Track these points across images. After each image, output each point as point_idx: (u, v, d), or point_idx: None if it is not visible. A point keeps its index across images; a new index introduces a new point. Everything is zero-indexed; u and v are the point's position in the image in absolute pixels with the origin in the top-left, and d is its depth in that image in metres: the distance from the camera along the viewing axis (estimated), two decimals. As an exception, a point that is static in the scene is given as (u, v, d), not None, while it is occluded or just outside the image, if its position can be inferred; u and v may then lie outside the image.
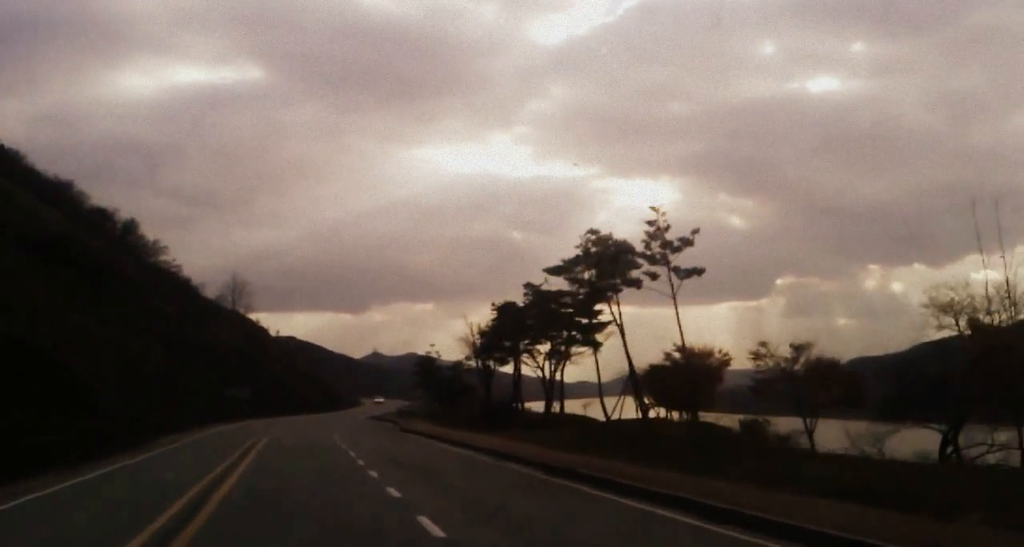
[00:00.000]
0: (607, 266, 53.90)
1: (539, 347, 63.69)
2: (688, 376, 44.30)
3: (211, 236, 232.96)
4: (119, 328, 57.13)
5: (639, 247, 50.55)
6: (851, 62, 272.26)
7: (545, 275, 60.39)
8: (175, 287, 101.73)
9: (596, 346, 59.16)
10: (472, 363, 71.42)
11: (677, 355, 48.28)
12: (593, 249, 55.37)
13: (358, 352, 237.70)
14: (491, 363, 68.99)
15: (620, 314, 54.68)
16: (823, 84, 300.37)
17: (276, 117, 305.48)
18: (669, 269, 49.50)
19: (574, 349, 61.62)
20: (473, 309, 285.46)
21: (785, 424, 39.71)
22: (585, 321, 58.69)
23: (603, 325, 57.34)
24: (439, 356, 78.12)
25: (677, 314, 48.60)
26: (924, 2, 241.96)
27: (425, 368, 79.20)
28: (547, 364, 63.67)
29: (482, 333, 67.82)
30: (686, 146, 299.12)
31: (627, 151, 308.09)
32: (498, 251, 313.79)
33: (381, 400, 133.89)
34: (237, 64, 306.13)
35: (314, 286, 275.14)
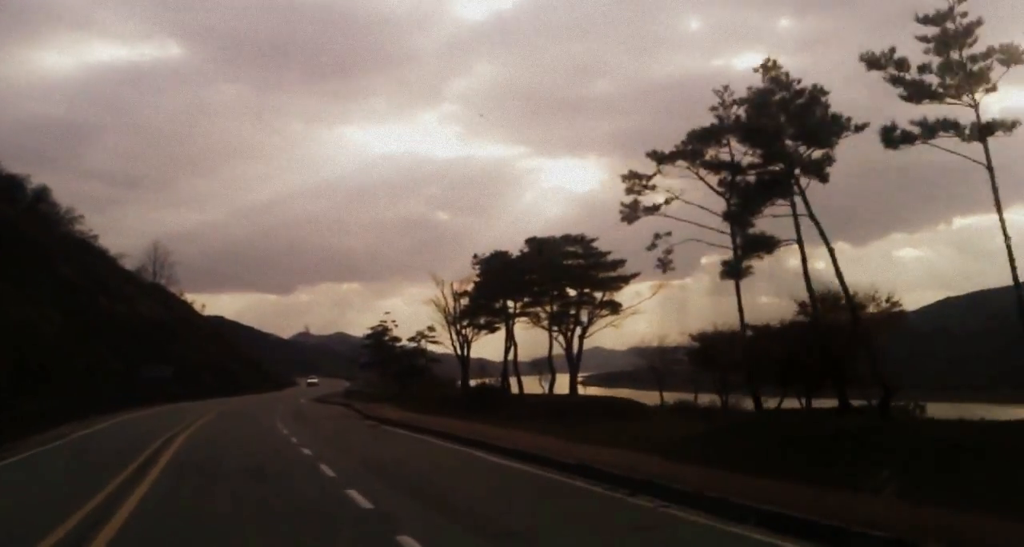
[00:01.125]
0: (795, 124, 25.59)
1: (542, 308, 52.54)
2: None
3: (134, 217, 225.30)
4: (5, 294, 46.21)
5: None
6: (777, 37, 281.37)
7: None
8: (88, 258, 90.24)
9: (615, 309, 49.57)
10: (437, 333, 60.90)
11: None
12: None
13: (286, 332, 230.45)
14: (467, 332, 58.10)
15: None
16: (749, 60, 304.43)
17: (199, 96, 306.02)
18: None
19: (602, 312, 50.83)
20: (399, 289, 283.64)
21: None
22: (613, 274, 49.02)
23: (625, 279, 47.95)
24: (396, 326, 67.87)
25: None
26: None
27: (379, 341, 68.42)
28: (557, 332, 52.27)
29: (459, 295, 57.15)
30: (613, 124, 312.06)
31: (554, 130, 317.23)
32: (425, 231, 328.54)
33: (315, 381, 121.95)
34: (157, 41, 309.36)
35: (240, 267, 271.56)
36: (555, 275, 49.23)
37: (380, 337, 68.41)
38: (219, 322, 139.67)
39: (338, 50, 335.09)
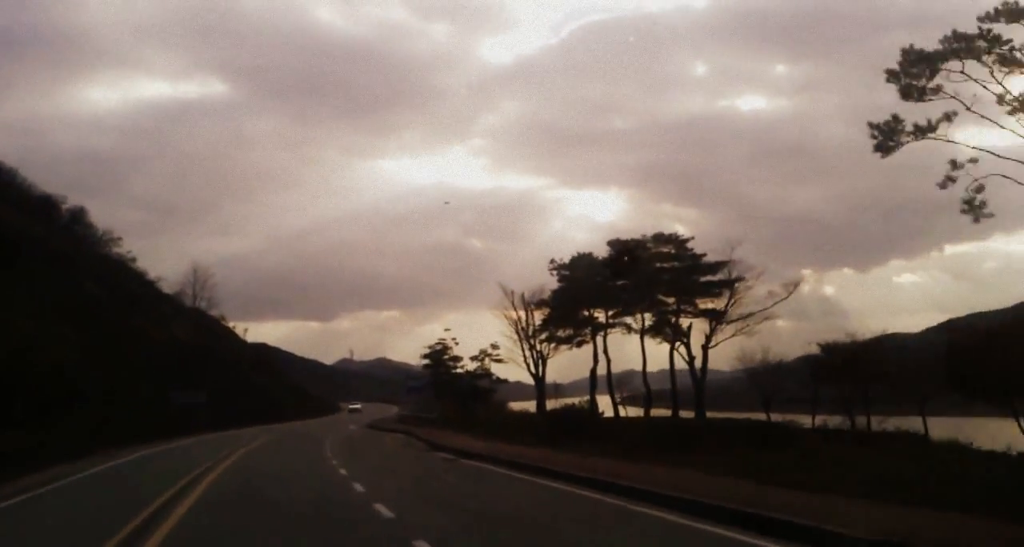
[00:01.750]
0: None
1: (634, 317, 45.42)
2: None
3: (177, 244, 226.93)
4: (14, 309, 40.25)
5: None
6: (775, 82, 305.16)
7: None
8: (124, 278, 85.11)
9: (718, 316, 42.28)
10: (507, 350, 53.13)
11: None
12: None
13: (329, 358, 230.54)
14: (543, 347, 50.34)
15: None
16: (751, 102, 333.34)
17: (239, 129, 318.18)
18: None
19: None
20: (438, 315, 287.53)
21: None
22: (714, 278, 41.94)
23: (729, 283, 40.80)
24: (456, 344, 60.38)
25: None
26: (838, 27, 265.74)
27: (438, 361, 61.07)
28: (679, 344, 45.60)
29: (532, 306, 49.39)
30: (630, 158, 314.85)
31: (577, 163, 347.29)
32: (460, 258, 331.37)
33: (358, 406, 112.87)
34: (200, 78, 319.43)
35: (281, 294, 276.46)
36: (651, 279, 41.84)
37: (439, 356, 61.36)
38: (261, 348, 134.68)
39: (371, 87, 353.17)
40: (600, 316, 48.01)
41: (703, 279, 44.03)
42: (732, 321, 43.84)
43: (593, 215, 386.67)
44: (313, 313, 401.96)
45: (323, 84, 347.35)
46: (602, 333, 47.86)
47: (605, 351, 48.66)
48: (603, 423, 36.27)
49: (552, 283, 50.84)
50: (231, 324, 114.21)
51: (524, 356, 52.79)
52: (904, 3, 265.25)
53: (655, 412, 54.25)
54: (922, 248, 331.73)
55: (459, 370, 59.10)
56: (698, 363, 46.90)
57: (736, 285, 43.01)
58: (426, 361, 62.86)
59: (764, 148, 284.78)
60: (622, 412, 54.05)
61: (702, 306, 44.65)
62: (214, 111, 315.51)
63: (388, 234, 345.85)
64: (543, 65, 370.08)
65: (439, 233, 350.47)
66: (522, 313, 50.59)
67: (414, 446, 35.35)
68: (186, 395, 53.86)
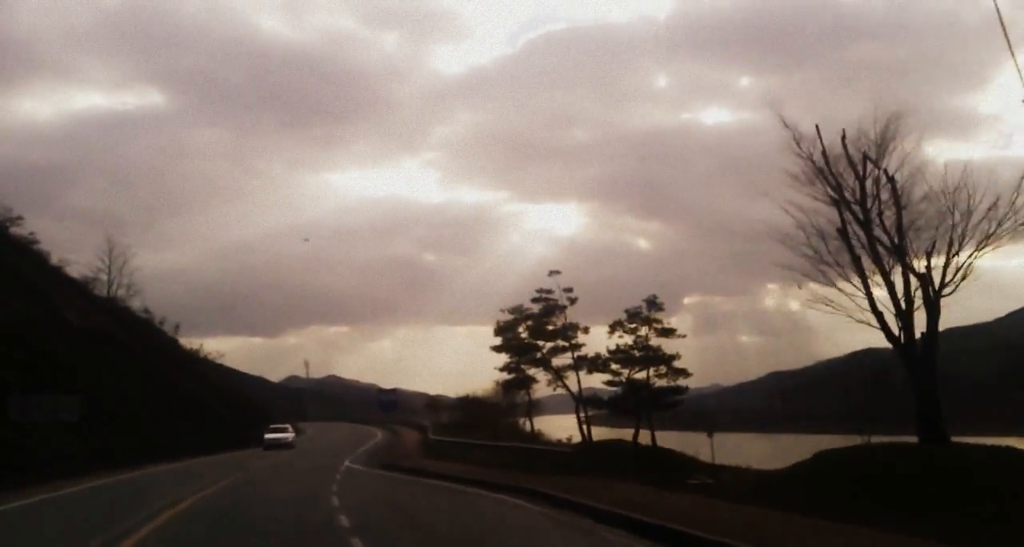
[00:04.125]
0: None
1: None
2: None
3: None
4: None
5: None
6: (739, 94, 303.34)
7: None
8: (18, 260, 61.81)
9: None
10: None
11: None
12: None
13: (275, 375, 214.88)
14: None
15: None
16: (715, 114, 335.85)
17: (180, 141, 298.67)
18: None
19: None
20: (388, 331, 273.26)
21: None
22: None
23: None
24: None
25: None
26: (803, 39, 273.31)
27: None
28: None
29: None
30: (590, 171, 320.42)
31: (534, 176, 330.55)
32: (413, 272, 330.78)
33: (286, 436, 57.71)
34: (138, 89, 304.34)
35: (226, 310, 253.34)
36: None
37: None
38: (205, 362, 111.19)
39: (319, 97, 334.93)
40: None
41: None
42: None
43: (552, 229, 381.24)
44: (259, 329, 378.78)
45: (268, 95, 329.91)
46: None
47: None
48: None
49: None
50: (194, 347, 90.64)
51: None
52: (871, 14, 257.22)
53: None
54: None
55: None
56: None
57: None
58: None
59: (727, 161, 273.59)
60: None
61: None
62: (153, 122, 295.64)
63: (337, 248, 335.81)
64: (499, 75, 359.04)
65: (391, 247, 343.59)
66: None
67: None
68: (43, 404, 30.35)
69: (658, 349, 56.78)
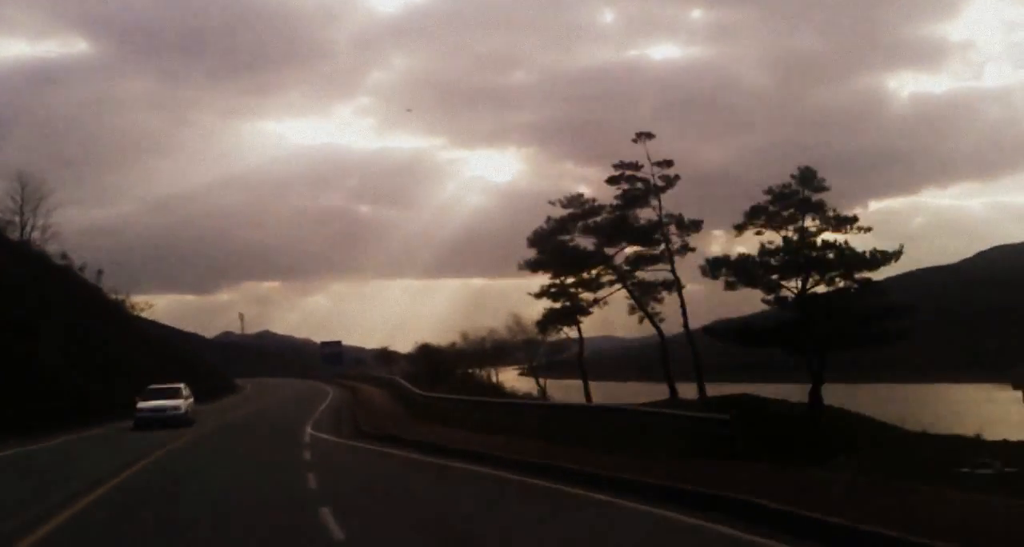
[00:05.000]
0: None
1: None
2: None
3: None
4: None
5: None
6: (690, 28, 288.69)
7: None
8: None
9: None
10: None
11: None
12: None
13: (210, 332, 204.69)
14: None
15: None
16: (663, 50, 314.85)
17: (107, 91, 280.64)
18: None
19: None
20: (323, 286, 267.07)
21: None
22: None
23: None
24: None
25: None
26: None
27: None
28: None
29: None
30: (530, 115, 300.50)
31: (473, 121, 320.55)
32: (347, 224, 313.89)
33: (174, 403, 35.31)
34: (62, 37, 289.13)
35: (158, 266, 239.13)
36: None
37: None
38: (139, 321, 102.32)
39: (249, 43, 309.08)
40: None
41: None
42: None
43: (490, 176, 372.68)
44: (192, 286, 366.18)
45: (197, 42, 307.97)
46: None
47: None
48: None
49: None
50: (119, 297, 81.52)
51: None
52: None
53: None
54: (845, 205, 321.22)
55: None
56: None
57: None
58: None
59: (677, 100, 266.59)
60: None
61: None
62: (79, 72, 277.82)
63: (270, 200, 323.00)
64: (435, 16, 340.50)
65: (325, 198, 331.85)
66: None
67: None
68: None
69: (845, 246, 38.37)
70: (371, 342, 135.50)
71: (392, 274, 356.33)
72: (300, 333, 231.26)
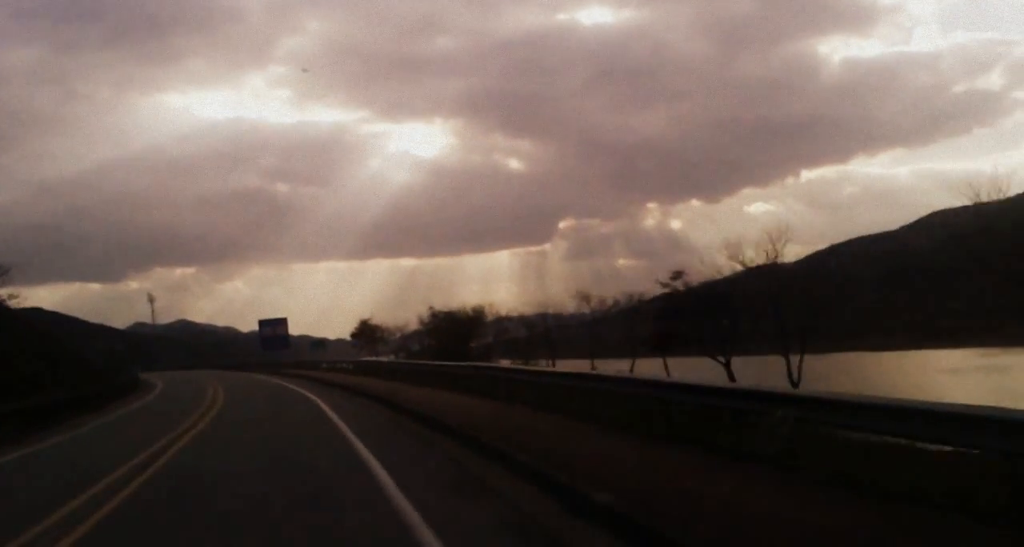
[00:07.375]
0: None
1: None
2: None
3: None
4: None
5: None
6: None
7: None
8: None
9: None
10: None
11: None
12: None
13: (120, 322, 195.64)
14: None
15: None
16: (595, 15, 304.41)
17: None
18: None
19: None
20: (241, 271, 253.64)
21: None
22: None
23: None
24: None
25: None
26: None
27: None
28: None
29: None
30: (456, 85, 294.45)
31: (397, 92, 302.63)
32: (264, 205, 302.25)
33: None
34: None
35: (56, 254, 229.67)
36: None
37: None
38: (34, 314, 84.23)
39: (147, 6, 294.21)
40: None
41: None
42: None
43: (416, 151, 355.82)
44: (96, 274, 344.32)
45: (88, 6, 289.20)
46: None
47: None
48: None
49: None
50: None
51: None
52: None
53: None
54: (777, 175, 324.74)
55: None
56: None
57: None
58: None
59: (608, 68, 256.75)
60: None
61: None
62: None
63: (177, 181, 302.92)
64: None
65: (239, 178, 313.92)
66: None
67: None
68: None
69: None
70: (298, 329, 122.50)
71: (316, 256, 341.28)
72: (220, 321, 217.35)
